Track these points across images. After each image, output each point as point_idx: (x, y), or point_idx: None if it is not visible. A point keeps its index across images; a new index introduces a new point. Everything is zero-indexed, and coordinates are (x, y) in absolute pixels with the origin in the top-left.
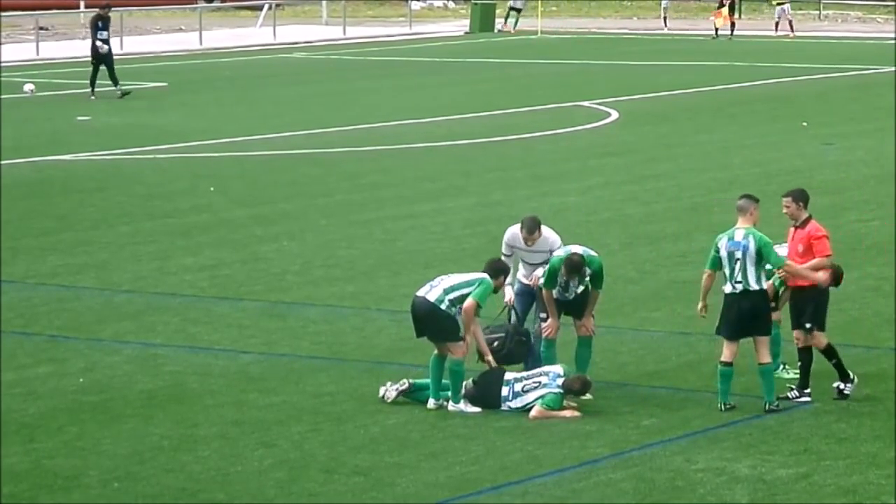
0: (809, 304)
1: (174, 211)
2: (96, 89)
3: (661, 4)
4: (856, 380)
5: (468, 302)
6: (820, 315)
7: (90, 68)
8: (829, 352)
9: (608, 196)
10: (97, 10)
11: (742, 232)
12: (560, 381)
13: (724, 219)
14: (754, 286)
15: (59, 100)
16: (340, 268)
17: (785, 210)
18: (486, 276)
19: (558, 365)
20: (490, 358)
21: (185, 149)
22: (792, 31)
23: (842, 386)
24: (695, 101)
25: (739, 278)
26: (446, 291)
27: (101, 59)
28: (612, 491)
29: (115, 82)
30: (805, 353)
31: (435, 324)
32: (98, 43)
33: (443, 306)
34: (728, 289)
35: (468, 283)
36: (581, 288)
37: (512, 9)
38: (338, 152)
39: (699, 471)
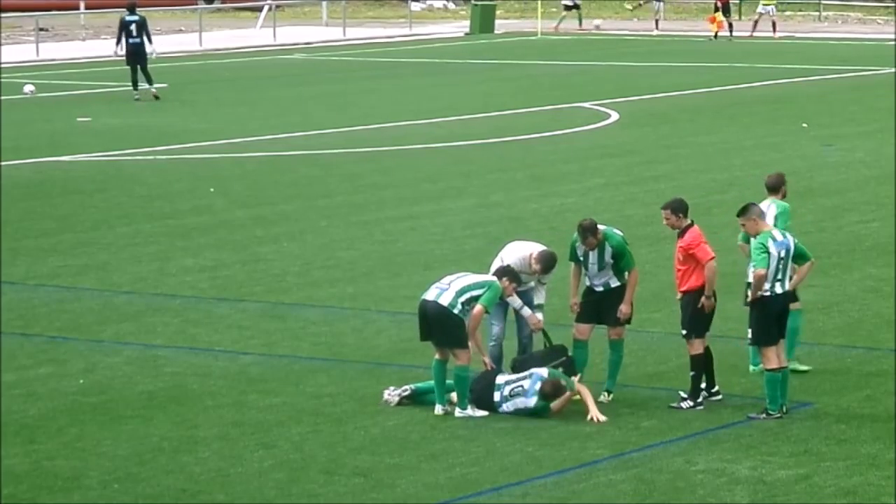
0: (686, 309)
1: (174, 212)
2: (139, 87)
3: (653, 7)
4: (699, 406)
5: (476, 308)
6: (696, 322)
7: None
8: (695, 361)
9: (608, 197)
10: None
11: (779, 231)
12: (539, 385)
13: (725, 220)
14: (786, 286)
15: (59, 101)
16: (340, 269)
17: (665, 222)
18: (494, 279)
19: (545, 368)
20: (487, 359)
21: (185, 150)
22: (774, 31)
23: (683, 395)
24: (695, 103)
25: (780, 277)
26: (458, 294)
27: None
28: (613, 492)
29: (135, 85)
30: (693, 360)
31: (446, 329)
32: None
33: (456, 311)
34: (770, 290)
35: (479, 286)
36: (607, 279)
37: (568, 7)
38: (338, 153)
39: (699, 472)
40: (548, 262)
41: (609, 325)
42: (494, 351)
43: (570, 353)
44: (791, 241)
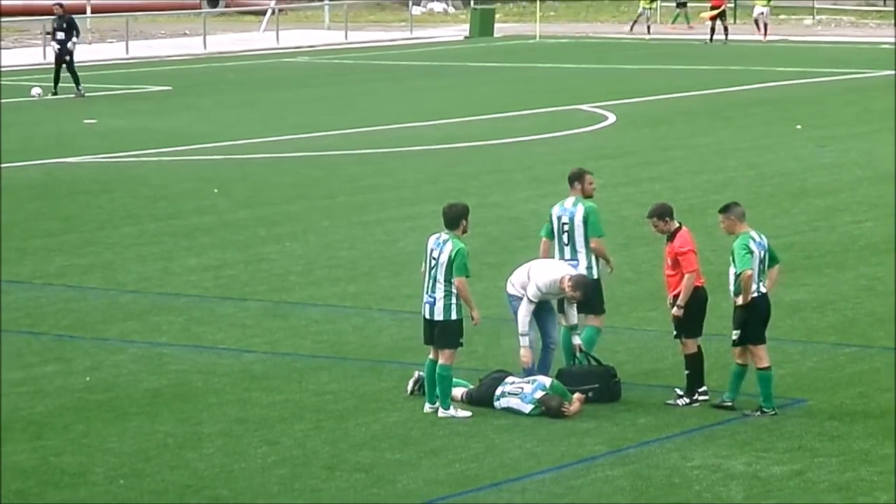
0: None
1: (178, 212)
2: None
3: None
4: (696, 403)
5: (458, 281)
6: (687, 324)
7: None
8: (689, 360)
9: (605, 198)
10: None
11: (756, 232)
12: (539, 394)
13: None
14: (764, 286)
15: (65, 103)
16: (342, 268)
17: (654, 229)
18: (454, 243)
19: (549, 378)
20: (476, 313)
21: (190, 151)
22: (764, 35)
23: (679, 392)
24: (691, 105)
25: (761, 277)
26: (445, 294)
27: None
28: (610, 488)
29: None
30: (688, 359)
31: (445, 334)
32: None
33: (453, 314)
34: (756, 290)
35: (450, 261)
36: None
37: (680, 4)
38: (339, 155)
39: (695, 468)
40: (586, 289)
41: (588, 313)
42: None
43: (615, 377)
44: (766, 241)
